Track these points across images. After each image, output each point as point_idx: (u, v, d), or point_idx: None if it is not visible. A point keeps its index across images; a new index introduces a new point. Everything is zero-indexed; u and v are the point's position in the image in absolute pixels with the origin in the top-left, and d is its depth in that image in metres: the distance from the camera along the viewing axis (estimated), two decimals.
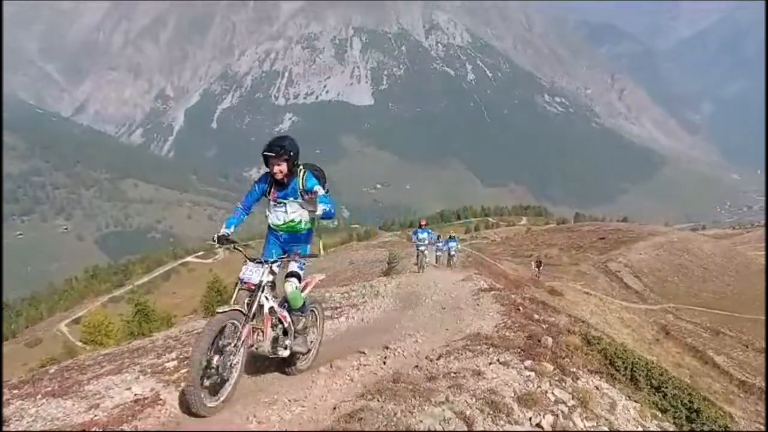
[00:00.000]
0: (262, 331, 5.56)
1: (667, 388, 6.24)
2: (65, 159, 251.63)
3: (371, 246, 69.90)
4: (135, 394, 5.63)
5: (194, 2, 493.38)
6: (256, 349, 5.55)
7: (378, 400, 4.49)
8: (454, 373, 5.39)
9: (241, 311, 5.22)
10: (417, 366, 5.98)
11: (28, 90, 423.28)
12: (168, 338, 10.29)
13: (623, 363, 6.52)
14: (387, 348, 7.02)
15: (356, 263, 46.69)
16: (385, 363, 6.44)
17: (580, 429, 4.65)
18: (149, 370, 6.69)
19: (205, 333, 4.91)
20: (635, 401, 5.72)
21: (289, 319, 5.95)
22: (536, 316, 9.28)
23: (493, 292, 12.45)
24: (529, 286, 30.35)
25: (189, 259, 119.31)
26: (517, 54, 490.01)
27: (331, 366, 6.15)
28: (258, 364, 6.14)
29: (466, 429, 4.09)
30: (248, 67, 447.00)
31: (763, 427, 16.85)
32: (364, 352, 6.71)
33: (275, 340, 5.75)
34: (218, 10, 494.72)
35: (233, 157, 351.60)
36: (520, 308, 10.05)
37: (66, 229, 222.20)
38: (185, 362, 6.80)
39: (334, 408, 4.65)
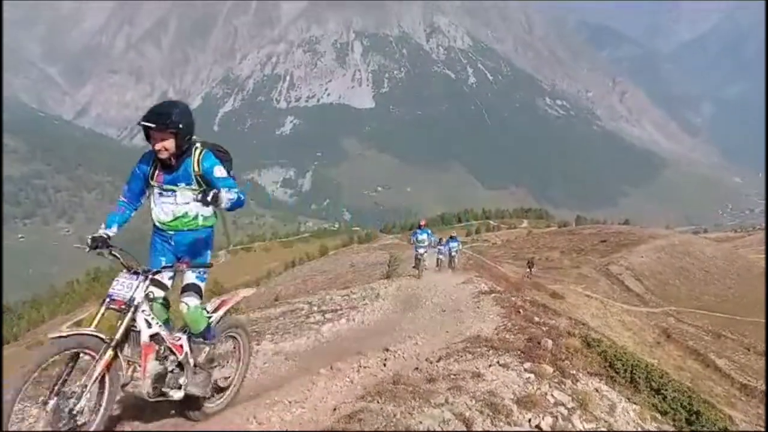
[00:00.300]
0: (139, 365, 4.05)
1: (666, 390, 6.26)
2: (67, 162, 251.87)
3: (372, 249, 69.96)
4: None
5: (196, 6, 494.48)
6: (132, 389, 4.05)
7: (378, 402, 4.51)
8: (454, 375, 5.41)
9: (96, 335, 3.73)
10: (417, 368, 6.00)
11: (29, 93, 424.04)
12: None
13: (623, 365, 6.54)
14: (387, 350, 7.04)
15: (357, 266, 46.71)
16: (385, 365, 6.46)
17: (579, 431, 4.66)
18: None
19: (25, 368, 3.33)
20: (635, 403, 5.73)
21: (186, 349, 4.43)
22: (536, 319, 9.31)
23: (493, 295, 12.48)
24: (530, 288, 30.34)
25: None
26: (517, 57, 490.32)
27: (331, 368, 6.16)
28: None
29: (465, 430, 4.11)
30: (250, 70, 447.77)
31: (763, 429, 16.83)
32: (364, 354, 6.73)
33: (159, 377, 4.18)
34: (220, 14, 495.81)
35: (235, 160, 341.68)
36: (521, 311, 10.08)
37: (67, 231, 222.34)
38: None
39: (334, 409, 4.67)
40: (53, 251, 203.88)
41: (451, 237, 28.82)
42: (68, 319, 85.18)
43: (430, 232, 24.05)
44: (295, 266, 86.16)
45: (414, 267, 22.07)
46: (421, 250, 21.82)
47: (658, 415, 5.80)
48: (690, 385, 12.04)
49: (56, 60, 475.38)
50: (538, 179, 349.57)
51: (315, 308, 12.31)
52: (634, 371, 6.47)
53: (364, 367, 6.28)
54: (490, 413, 4.45)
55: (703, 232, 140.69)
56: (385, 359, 6.69)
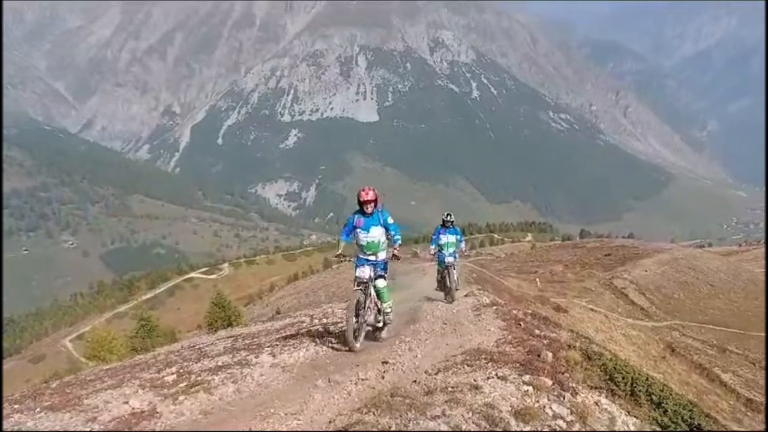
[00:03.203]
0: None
1: (667, 403, 6.19)
2: (72, 175, 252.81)
3: None
4: (132, 408, 5.64)
5: (201, 20, 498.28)
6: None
7: (374, 414, 4.47)
8: (452, 387, 5.37)
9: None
10: (415, 380, 5.95)
11: (36, 107, 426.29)
12: (170, 353, 10.31)
13: (623, 378, 6.48)
14: (386, 363, 7.01)
15: None
16: (383, 377, 6.42)
17: None
18: (148, 384, 6.70)
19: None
20: (635, 417, 5.68)
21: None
22: (537, 332, 9.25)
23: (495, 308, 12.42)
24: (533, 301, 30.21)
25: (193, 275, 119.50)
26: (521, 71, 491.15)
27: (329, 380, 6.13)
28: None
29: None
30: (254, 84, 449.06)
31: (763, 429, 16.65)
32: (362, 367, 6.70)
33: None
34: (225, 28, 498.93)
35: (239, 173, 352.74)
36: (521, 323, 10.02)
37: (71, 244, 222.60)
38: (186, 374, 6.81)
39: (330, 422, 4.64)
40: (57, 264, 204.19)
41: (443, 224, 15.82)
42: (71, 332, 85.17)
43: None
44: (298, 279, 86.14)
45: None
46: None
47: (659, 429, 5.74)
48: (693, 399, 11.92)
49: (62, 74, 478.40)
50: (542, 193, 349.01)
51: (316, 321, 12.31)
52: (634, 384, 6.40)
53: (363, 380, 6.25)
54: (487, 426, 4.41)
55: (708, 245, 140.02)
56: (384, 372, 6.66)
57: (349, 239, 9.30)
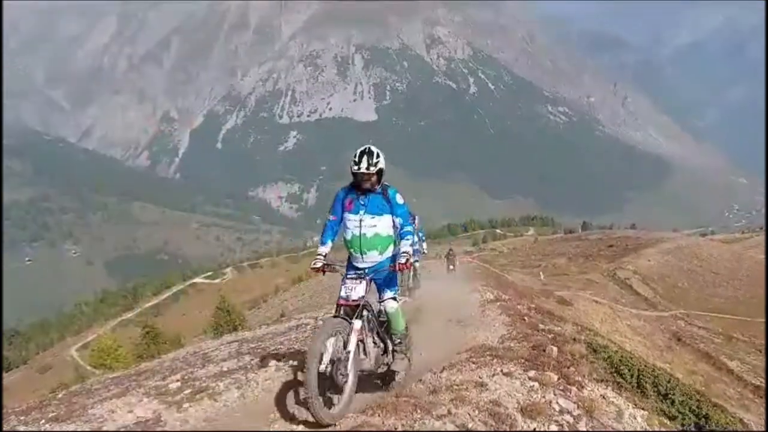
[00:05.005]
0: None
1: (674, 394, 6.17)
2: (72, 184, 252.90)
3: None
4: (137, 417, 5.63)
5: (197, 25, 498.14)
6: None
7: (379, 415, 4.46)
8: (457, 385, 5.35)
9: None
10: (420, 379, 5.94)
11: (34, 117, 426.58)
12: (175, 360, 10.29)
13: (629, 371, 6.46)
14: None
15: None
16: None
17: None
18: (153, 392, 6.69)
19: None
20: (642, 409, 5.66)
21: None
22: (542, 326, 9.24)
23: (499, 303, 12.41)
24: (537, 295, 30.16)
25: (197, 280, 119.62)
26: (518, 65, 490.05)
27: None
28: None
29: None
30: (251, 87, 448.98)
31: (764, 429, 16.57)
32: None
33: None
34: (220, 32, 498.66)
35: (239, 176, 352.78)
36: (526, 318, 10.01)
37: (74, 253, 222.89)
38: (190, 381, 6.80)
39: (335, 425, 4.62)
40: (61, 273, 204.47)
41: (354, 182, 6.01)
42: (77, 341, 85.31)
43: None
44: (302, 281, 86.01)
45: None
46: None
47: (667, 421, 5.72)
48: (700, 389, 11.90)
49: (60, 83, 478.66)
50: (543, 187, 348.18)
51: (321, 323, 12.25)
52: (641, 376, 6.38)
53: None
54: (494, 423, 4.39)
55: (710, 233, 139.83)
56: None
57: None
